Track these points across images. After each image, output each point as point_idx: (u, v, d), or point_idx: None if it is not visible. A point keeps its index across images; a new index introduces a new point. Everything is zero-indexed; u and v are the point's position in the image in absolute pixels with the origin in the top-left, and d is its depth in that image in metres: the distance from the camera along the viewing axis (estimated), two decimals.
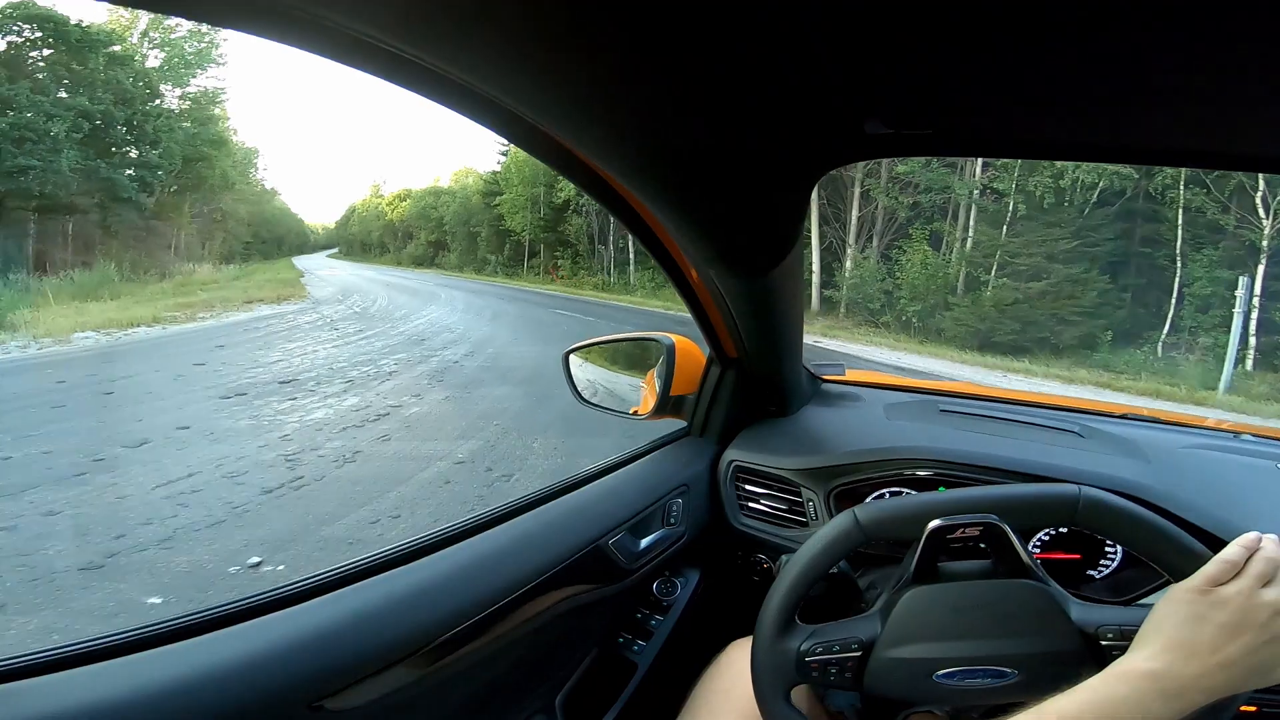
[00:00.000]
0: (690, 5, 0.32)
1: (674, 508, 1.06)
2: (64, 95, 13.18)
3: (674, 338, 1.10)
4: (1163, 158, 0.59)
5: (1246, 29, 0.30)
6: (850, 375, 1.36)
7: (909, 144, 0.56)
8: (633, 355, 1.16)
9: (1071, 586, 0.82)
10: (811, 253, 14.72)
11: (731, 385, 1.11)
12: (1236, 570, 0.55)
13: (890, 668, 0.66)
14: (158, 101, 16.21)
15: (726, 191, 0.55)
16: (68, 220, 13.37)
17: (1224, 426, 1.24)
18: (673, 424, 1.17)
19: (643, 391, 1.18)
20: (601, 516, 0.92)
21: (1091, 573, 0.92)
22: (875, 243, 15.29)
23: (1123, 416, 1.22)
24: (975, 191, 14.01)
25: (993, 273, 13.39)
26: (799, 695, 0.73)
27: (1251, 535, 0.57)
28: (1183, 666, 0.52)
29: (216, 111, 19.03)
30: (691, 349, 1.11)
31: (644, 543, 0.99)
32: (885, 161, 12.28)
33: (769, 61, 0.39)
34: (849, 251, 15.27)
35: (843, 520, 0.69)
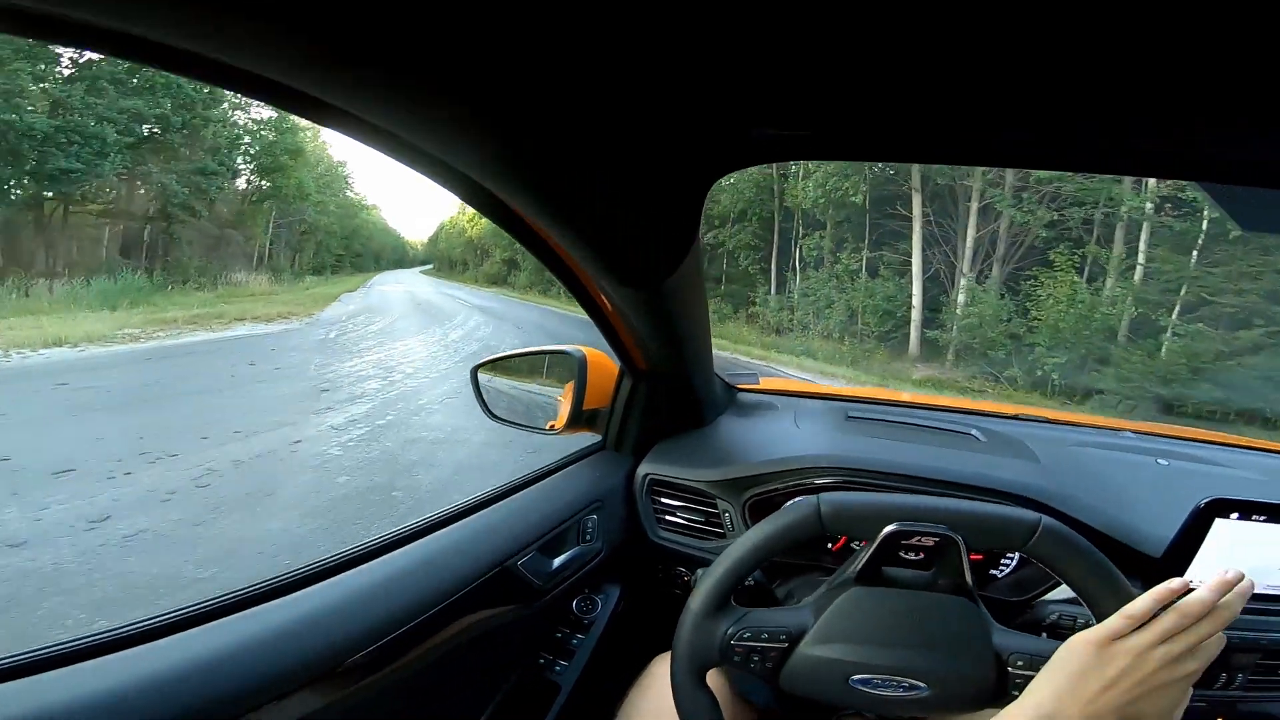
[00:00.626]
0: (554, 14, 0.32)
1: (589, 524, 1.04)
2: (120, 99, 12.39)
3: (585, 350, 1.09)
4: (1047, 161, 0.56)
5: (1119, 33, 0.31)
6: (764, 384, 1.38)
7: (794, 147, 0.57)
8: (553, 368, 1.17)
9: (977, 586, 0.88)
10: (910, 282, 12.58)
11: (644, 398, 1.09)
12: (1138, 624, 0.57)
13: (811, 665, 0.67)
14: (222, 107, 15.23)
15: (611, 203, 0.55)
16: (116, 224, 13.01)
17: (1103, 423, 1.34)
18: (588, 438, 1.15)
19: (561, 405, 1.14)
20: (509, 537, 0.89)
21: (994, 572, 0.97)
22: (996, 270, 12.04)
23: (1014, 417, 1.31)
24: (1151, 205, 10.20)
25: (1174, 314, 9.68)
26: (713, 680, 0.73)
27: (1167, 586, 0.58)
28: (1062, 715, 0.55)
29: (295, 121, 17.65)
30: (604, 361, 1.09)
31: (557, 561, 0.97)
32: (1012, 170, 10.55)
33: (634, 68, 0.39)
34: (961, 282, 12.18)
35: (804, 506, 0.68)
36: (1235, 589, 0.58)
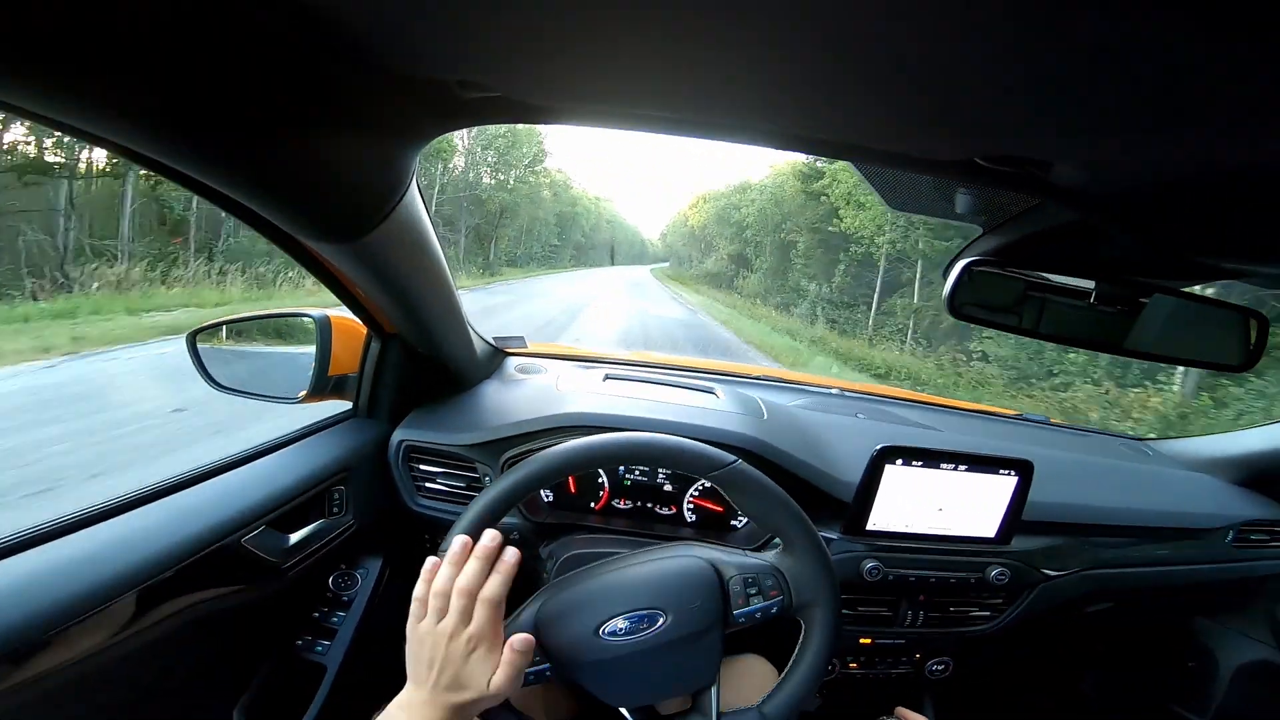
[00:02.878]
0: None
1: (335, 495, 0.98)
2: None
3: (328, 313, 1.02)
4: (713, 133, 0.60)
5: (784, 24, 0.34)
6: (533, 347, 1.38)
7: (500, 109, 0.56)
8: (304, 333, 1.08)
9: (718, 536, 1.05)
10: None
11: (396, 362, 1.05)
12: (424, 606, 0.63)
13: (558, 631, 0.68)
14: None
15: (295, 157, 0.52)
16: None
17: (822, 382, 1.55)
18: (337, 407, 1.08)
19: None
20: (233, 511, 0.81)
21: (735, 523, 1.09)
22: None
23: (755, 378, 1.47)
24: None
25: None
26: None
27: (427, 564, 0.65)
28: (415, 694, 0.61)
29: None
30: (351, 324, 1.02)
31: (295, 537, 0.90)
32: None
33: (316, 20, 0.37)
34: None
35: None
36: (465, 547, 0.64)
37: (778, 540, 0.75)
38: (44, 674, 0.57)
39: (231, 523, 0.80)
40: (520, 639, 0.63)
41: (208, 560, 0.75)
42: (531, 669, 0.66)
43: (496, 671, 0.61)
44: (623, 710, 0.71)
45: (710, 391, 1.25)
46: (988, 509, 1.02)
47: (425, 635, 0.62)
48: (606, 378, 1.26)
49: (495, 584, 0.63)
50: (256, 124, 0.46)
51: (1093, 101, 0.38)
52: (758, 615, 0.69)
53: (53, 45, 0.33)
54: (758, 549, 1.01)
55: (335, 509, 0.98)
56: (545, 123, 0.61)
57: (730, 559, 0.72)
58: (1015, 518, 1.02)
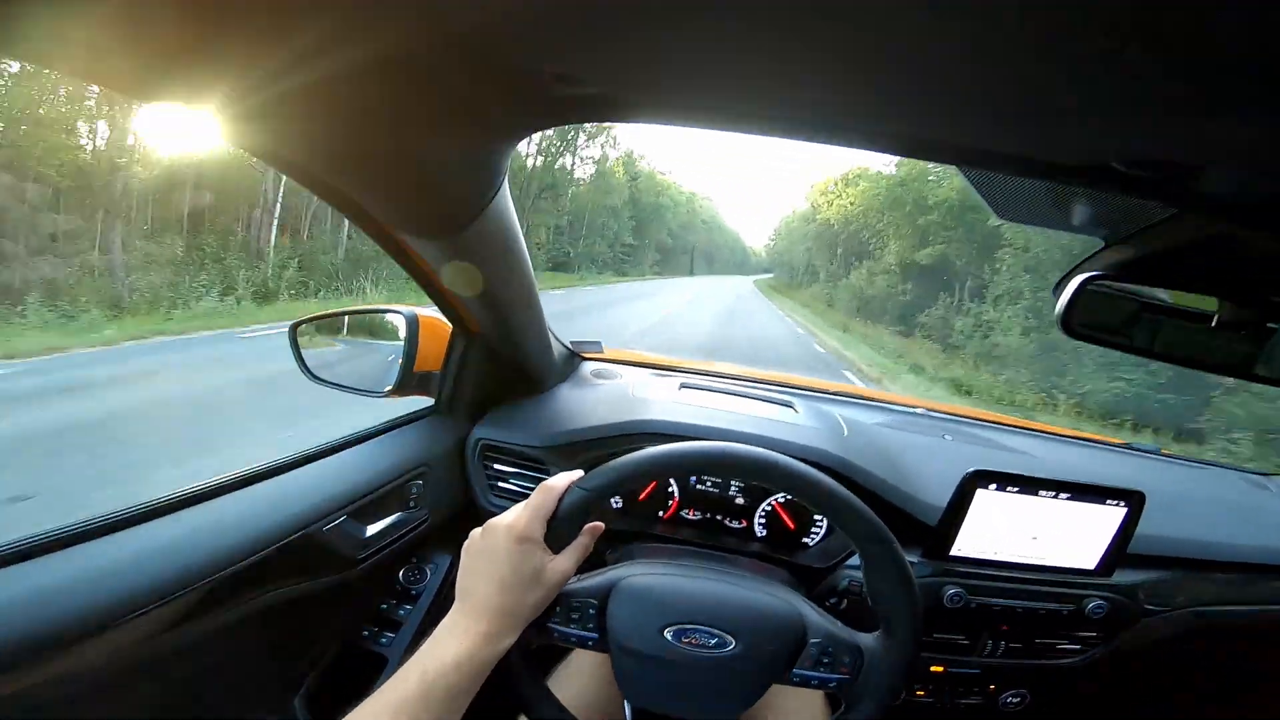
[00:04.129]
0: None
1: (412, 490, 1.01)
2: None
3: (418, 311, 1.06)
4: (823, 136, 0.57)
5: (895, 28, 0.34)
6: (609, 353, 1.39)
7: (595, 107, 0.56)
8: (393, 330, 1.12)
9: (789, 552, 1.03)
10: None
11: (478, 362, 1.07)
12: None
13: (626, 616, 0.67)
14: None
15: (399, 149, 0.54)
16: None
17: (906, 402, 1.50)
18: (421, 402, 1.12)
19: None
20: (316, 501, 0.84)
21: (805, 540, 1.06)
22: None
23: (836, 394, 1.43)
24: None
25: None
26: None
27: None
28: (460, 610, 0.62)
29: None
30: (438, 324, 1.06)
31: (372, 529, 0.93)
32: None
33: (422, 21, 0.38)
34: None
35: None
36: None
37: (853, 566, 0.71)
38: (125, 652, 0.60)
39: (315, 512, 0.83)
40: (594, 525, 0.66)
41: (289, 548, 0.78)
42: (576, 632, 0.66)
43: (560, 555, 0.64)
44: (626, 708, 0.71)
45: (789, 405, 1.23)
46: (1089, 540, 0.94)
47: (480, 534, 0.64)
48: (682, 386, 1.25)
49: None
50: (364, 117, 0.48)
51: (1267, 94, 0.35)
52: (813, 683, 0.67)
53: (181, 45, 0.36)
54: (829, 568, 1.00)
55: (412, 503, 1.00)
56: (645, 121, 0.61)
57: (821, 623, 0.69)
58: (1120, 550, 0.94)
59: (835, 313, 20.95)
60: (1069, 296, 0.66)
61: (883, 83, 0.43)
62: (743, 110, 0.54)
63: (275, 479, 0.86)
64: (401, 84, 0.47)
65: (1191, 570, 1.06)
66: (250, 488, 0.82)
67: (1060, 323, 0.66)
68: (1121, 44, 0.31)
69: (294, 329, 1.03)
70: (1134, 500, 0.92)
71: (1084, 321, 0.68)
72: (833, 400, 1.41)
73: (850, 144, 0.58)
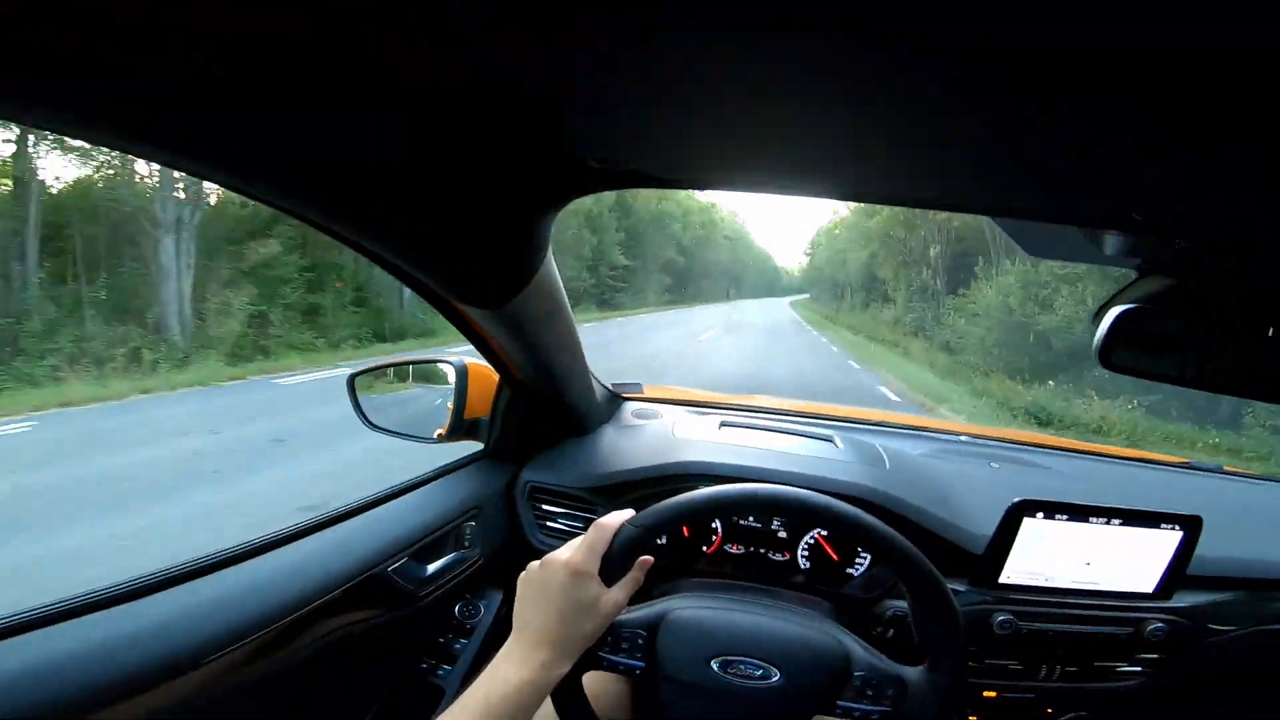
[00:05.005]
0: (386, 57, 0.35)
1: (466, 531, 1.05)
2: None
3: (466, 360, 1.11)
4: (861, 195, 0.61)
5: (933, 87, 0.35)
6: (648, 391, 1.39)
7: (629, 176, 0.60)
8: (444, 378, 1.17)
9: (833, 584, 1.03)
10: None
11: (523, 407, 1.12)
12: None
13: (674, 645, 0.69)
14: None
15: (445, 229, 0.58)
16: None
17: (947, 428, 1.50)
18: (471, 447, 1.16)
19: (449, 412, 1.17)
20: (381, 544, 0.90)
21: (850, 571, 1.06)
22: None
23: (876, 424, 1.43)
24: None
25: None
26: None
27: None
28: (517, 640, 0.65)
29: None
30: (485, 372, 1.11)
31: (431, 568, 0.98)
32: None
33: (460, 88, 0.41)
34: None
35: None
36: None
37: (897, 596, 0.71)
38: (201, 691, 0.64)
39: (381, 553, 0.88)
40: (644, 560, 0.68)
41: (359, 588, 0.83)
42: (623, 660, 0.68)
43: (613, 587, 0.66)
44: None
45: (829, 440, 1.23)
46: (1145, 564, 0.92)
47: (538, 568, 0.66)
48: (722, 425, 1.27)
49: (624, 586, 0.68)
50: (415, 198, 0.52)
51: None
52: (856, 715, 0.67)
53: (250, 123, 0.39)
54: (874, 599, 0.99)
55: (467, 543, 1.05)
56: (674, 188, 0.66)
57: (864, 655, 0.70)
58: (1179, 574, 0.92)
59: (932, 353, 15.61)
60: (1106, 329, 0.66)
61: (909, 150, 0.46)
62: (774, 176, 0.57)
63: (343, 524, 0.91)
64: (457, 165, 0.51)
65: (1257, 590, 1.03)
66: (320, 533, 0.88)
67: (1098, 355, 0.67)
68: (1133, 112, 0.34)
69: (351, 380, 1.09)
70: (1190, 524, 0.90)
71: (1124, 351, 0.68)
72: (873, 431, 1.40)
73: (881, 202, 0.61)
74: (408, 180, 0.50)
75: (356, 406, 1.09)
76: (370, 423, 1.10)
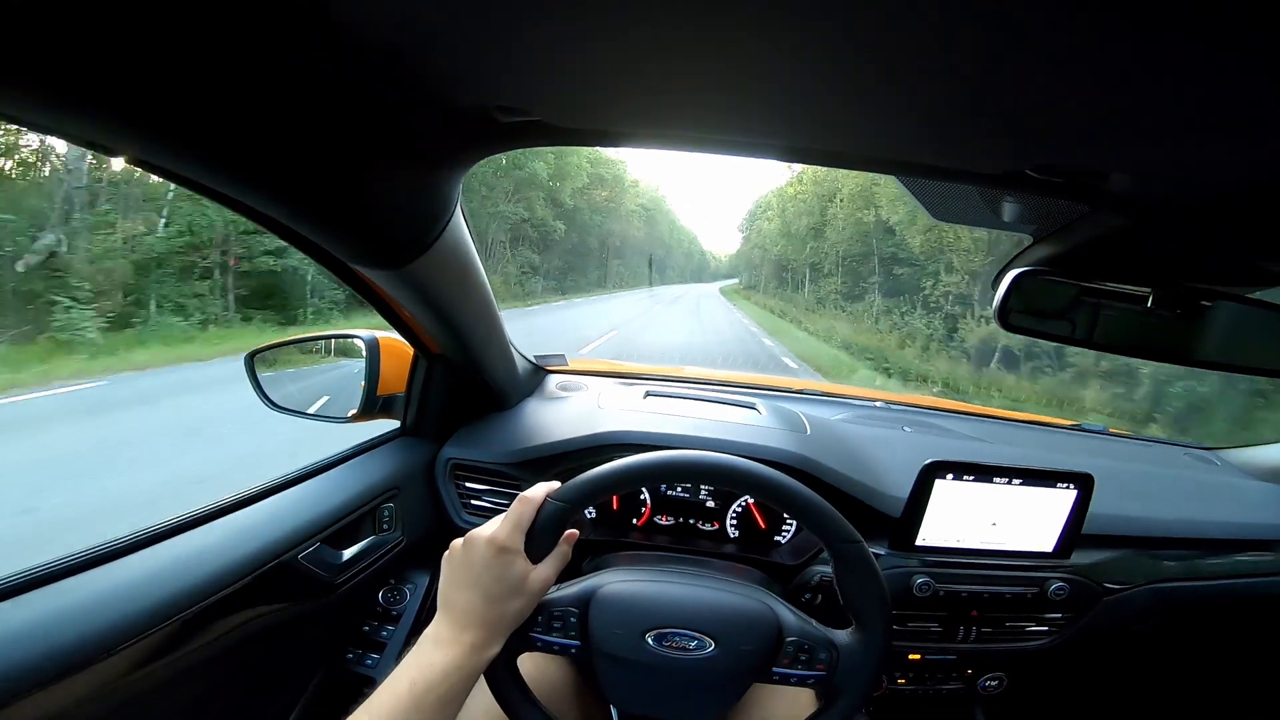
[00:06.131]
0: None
1: (384, 513, 1.01)
2: None
3: (377, 334, 1.05)
4: (761, 150, 0.60)
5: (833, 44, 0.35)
6: (573, 364, 1.38)
7: (538, 132, 0.57)
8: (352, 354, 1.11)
9: (762, 552, 1.05)
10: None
11: (441, 381, 1.07)
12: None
13: (606, 623, 0.68)
14: None
15: (343, 185, 0.54)
16: None
17: (865, 394, 1.54)
18: (386, 425, 1.11)
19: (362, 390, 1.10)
20: (288, 530, 0.84)
21: (778, 538, 1.09)
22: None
23: (799, 392, 1.47)
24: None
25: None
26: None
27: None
28: (443, 621, 0.63)
29: None
30: (399, 346, 1.05)
31: (348, 553, 0.93)
32: None
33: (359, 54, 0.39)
34: None
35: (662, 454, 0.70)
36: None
37: (824, 562, 0.73)
38: (104, 690, 0.60)
39: (288, 540, 0.83)
40: (571, 533, 0.67)
41: (265, 577, 0.78)
42: (559, 640, 0.68)
43: (540, 564, 0.64)
44: (613, 712, 0.73)
45: (752, 407, 1.25)
46: (1045, 523, 0.99)
47: (461, 546, 0.64)
48: (647, 394, 1.27)
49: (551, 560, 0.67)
50: (306, 152, 0.48)
51: (1149, 109, 0.38)
52: (793, 680, 0.69)
53: (131, 87, 0.36)
54: (801, 565, 1.02)
55: (385, 525, 1.00)
56: (585, 144, 0.63)
57: (795, 621, 0.71)
58: (1075, 532, 0.99)
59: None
60: (1004, 290, 0.69)
61: (816, 104, 0.46)
62: (679, 133, 0.56)
63: (249, 508, 0.85)
64: (344, 117, 0.47)
65: (1146, 548, 1.11)
66: (222, 519, 0.82)
67: (997, 316, 0.69)
68: (1022, 61, 0.34)
69: (250, 358, 1.02)
70: (1083, 483, 0.96)
71: (1020, 311, 0.71)
72: (795, 398, 1.44)
73: (790, 159, 0.61)
74: (298, 131, 0.46)
75: (257, 387, 1.01)
76: (274, 404, 1.03)
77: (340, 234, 0.62)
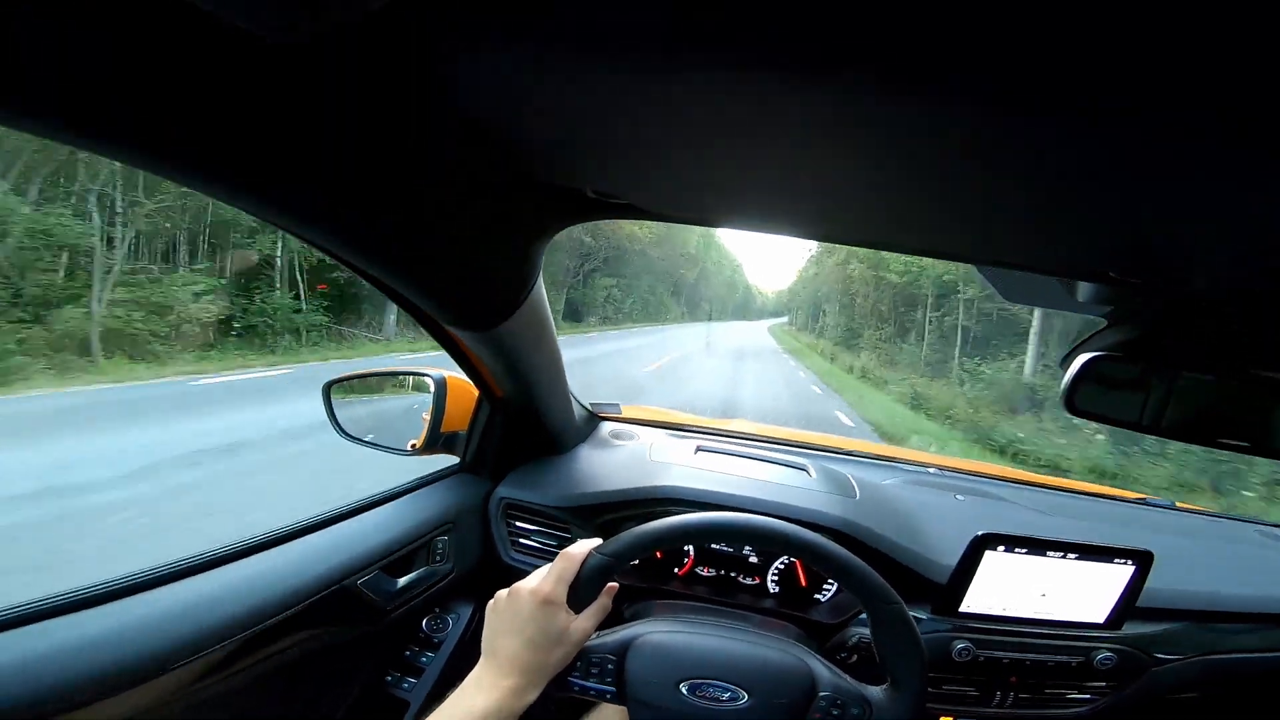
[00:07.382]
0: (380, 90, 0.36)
1: (439, 545, 1.04)
2: None
3: (445, 374, 1.10)
4: (840, 237, 0.63)
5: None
6: (625, 412, 1.39)
7: (621, 207, 0.61)
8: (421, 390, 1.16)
9: (801, 609, 1.05)
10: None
11: (502, 423, 1.11)
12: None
13: (642, 670, 0.69)
14: None
15: (439, 254, 0.58)
16: None
17: (917, 458, 1.51)
18: (447, 460, 1.15)
19: (425, 423, 1.16)
20: (350, 556, 0.88)
21: (817, 596, 1.08)
22: None
23: (847, 453, 1.46)
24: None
25: None
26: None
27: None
28: (486, 666, 0.66)
29: None
30: (464, 385, 1.10)
31: (402, 581, 0.96)
32: None
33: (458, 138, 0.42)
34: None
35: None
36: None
37: (862, 623, 0.72)
38: (161, 701, 0.63)
39: (350, 566, 0.87)
40: (611, 586, 0.70)
41: (326, 600, 0.82)
42: (595, 686, 0.69)
43: (581, 615, 0.67)
44: None
45: (803, 469, 1.25)
46: (1098, 596, 0.95)
47: (506, 597, 0.68)
48: (699, 450, 1.27)
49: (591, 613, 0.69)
50: (426, 229, 0.53)
51: (1241, 224, 0.39)
52: None
53: (250, 152, 0.39)
54: (840, 624, 1.01)
55: (438, 557, 1.04)
56: (663, 220, 0.67)
57: (829, 676, 0.71)
58: (1129, 606, 0.95)
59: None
60: (1074, 373, 0.69)
61: (897, 198, 0.48)
62: (764, 220, 0.59)
63: (314, 535, 0.90)
64: (461, 197, 0.51)
65: (1201, 621, 1.06)
66: (290, 543, 0.86)
67: (1064, 401, 0.69)
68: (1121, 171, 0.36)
69: (327, 388, 1.08)
70: (1142, 559, 0.93)
71: (1089, 399, 0.70)
72: (846, 460, 1.42)
73: (873, 248, 0.63)
74: (409, 204, 0.50)
75: (331, 415, 1.07)
76: (345, 432, 1.08)
77: (441, 299, 0.67)
